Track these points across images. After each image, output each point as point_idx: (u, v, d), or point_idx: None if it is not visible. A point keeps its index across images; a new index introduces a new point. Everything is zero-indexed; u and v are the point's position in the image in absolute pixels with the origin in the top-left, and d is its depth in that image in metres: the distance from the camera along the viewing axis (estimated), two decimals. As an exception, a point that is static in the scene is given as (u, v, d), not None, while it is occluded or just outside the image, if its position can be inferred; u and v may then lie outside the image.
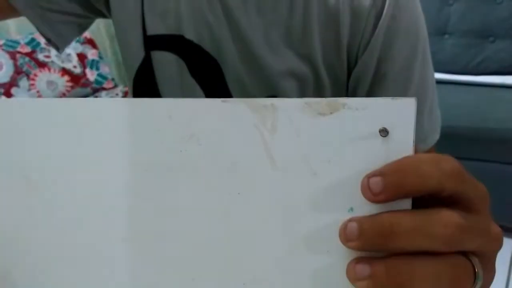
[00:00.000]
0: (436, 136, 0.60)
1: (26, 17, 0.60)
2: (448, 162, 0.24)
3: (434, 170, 0.23)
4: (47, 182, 0.27)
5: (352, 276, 0.24)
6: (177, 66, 0.59)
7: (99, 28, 2.16)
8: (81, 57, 2.08)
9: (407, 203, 0.24)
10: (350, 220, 0.24)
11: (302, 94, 0.58)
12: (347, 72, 0.57)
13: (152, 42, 0.59)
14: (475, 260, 0.24)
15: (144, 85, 0.62)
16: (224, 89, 0.59)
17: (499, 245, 0.26)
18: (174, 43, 0.58)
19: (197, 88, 0.59)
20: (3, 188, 0.27)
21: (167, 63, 0.59)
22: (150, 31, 0.58)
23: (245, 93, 0.58)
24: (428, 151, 0.59)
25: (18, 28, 2.01)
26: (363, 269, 0.23)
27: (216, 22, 0.56)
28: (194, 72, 0.59)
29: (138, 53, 0.60)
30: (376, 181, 0.23)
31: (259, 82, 0.58)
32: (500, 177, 1.72)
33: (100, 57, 2.14)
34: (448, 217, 0.23)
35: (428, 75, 0.58)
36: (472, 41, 2.22)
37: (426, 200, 0.25)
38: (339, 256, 0.25)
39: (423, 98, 0.58)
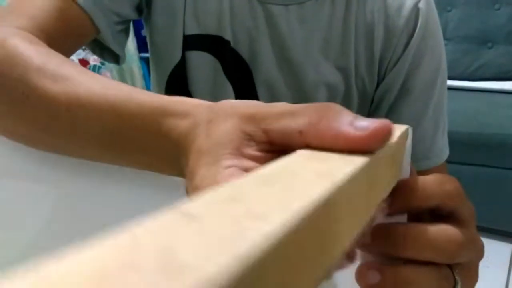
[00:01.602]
0: (447, 152, 0.63)
1: (104, 37, 0.55)
2: (451, 184, 0.26)
3: (437, 191, 0.26)
4: None
5: (363, 281, 0.26)
6: (213, 66, 0.60)
7: (101, 34, 2.17)
8: (83, 63, 2.09)
9: (404, 215, 0.27)
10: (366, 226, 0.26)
11: None
12: (375, 85, 0.60)
13: (189, 42, 0.60)
14: (456, 271, 0.27)
15: (176, 85, 0.63)
16: (252, 93, 0.61)
17: (482, 256, 0.29)
18: (212, 43, 0.59)
19: (229, 87, 0.61)
20: None
21: (202, 63, 0.60)
22: (188, 31, 0.59)
23: (273, 99, 0.60)
24: (442, 165, 0.62)
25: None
26: (374, 275, 0.25)
27: (255, 27, 0.58)
28: (228, 72, 0.61)
29: (175, 54, 0.60)
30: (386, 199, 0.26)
31: (290, 89, 0.60)
32: (499, 182, 1.74)
33: (102, 63, 2.15)
34: (453, 234, 0.25)
35: (444, 95, 0.62)
36: (470, 47, 2.23)
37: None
38: None
39: (439, 116, 0.61)
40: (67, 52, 0.52)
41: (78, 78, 0.35)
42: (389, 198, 0.26)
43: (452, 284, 0.26)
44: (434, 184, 0.26)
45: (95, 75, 0.36)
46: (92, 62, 2.11)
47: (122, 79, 2.36)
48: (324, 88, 0.59)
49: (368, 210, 0.20)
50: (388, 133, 0.20)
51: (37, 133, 0.38)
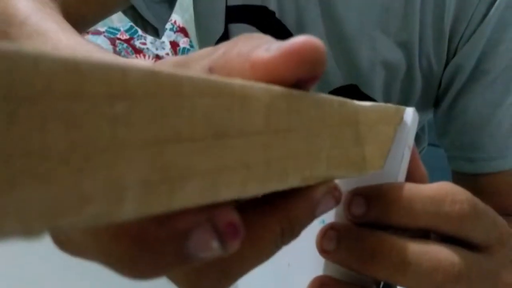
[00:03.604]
0: None
1: (137, 5, 0.56)
2: (454, 205, 0.19)
3: (429, 211, 0.19)
4: None
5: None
6: None
7: (191, 17, 2.24)
8: (174, 45, 2.17)
9: None
10: (331, 227, 0.21)
11: (388, 86, 0.53)
12: (444, 64, 0.51)
13: (232, 14, 0.56)
14: None
15: None
16: None
17: None
18: (256, 14, 0.55)
19: None
20: None
21: None
22: (231, 2, 0.56)
23: (322, 79, 0.54)
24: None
25: (119, 16, 2.15)
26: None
27: None
28: None
29: (218, 26, 0.57)
30: (359, 203, 0.20)
31: (342, 68, 0.53)
32: None
33: (191, 46, 2.22)
34: (444, 260, 0.19)
35: None
36: None
37: None
38: (298, 270, 0.24)
39: None
40: (88, 19, 0.52)
41: (54, 36, 0.32)
42: (363, 207, 0.20)
43: None
44: (427, 202, 0.19)
45: (74, 33, 0.34)
46: (182, 45, 2.18)
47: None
48: (381, 68, 0.51)
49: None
50: (310, 50, 0.14)
51: None
